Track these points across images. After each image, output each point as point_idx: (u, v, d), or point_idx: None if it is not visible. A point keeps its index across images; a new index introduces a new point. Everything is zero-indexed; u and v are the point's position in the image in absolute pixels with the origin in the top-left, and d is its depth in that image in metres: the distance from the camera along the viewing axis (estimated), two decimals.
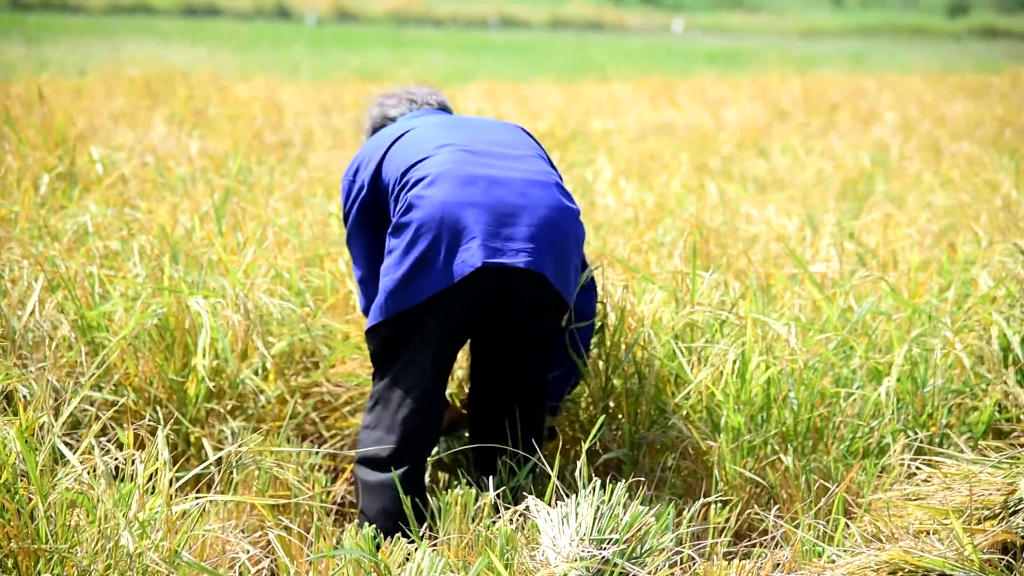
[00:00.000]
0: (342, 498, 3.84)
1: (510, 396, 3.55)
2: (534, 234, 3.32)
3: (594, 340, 3.84)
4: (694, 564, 3.04)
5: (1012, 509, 2.98)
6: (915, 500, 3.13)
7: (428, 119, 3.66)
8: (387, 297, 3.35)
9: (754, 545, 3.34)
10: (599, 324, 3.84)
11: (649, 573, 2.86)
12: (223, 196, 5.26)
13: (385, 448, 3.39)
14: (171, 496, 2.87)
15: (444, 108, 3.90)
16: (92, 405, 3.60)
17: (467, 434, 3.82)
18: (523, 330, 3.48)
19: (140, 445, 3.50)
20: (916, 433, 3.69)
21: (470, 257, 3.28)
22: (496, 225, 3.31)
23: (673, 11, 39.41)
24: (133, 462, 3.07)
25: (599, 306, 3.86)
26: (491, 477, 3.46)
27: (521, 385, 3.55)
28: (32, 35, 19.53)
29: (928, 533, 3.03)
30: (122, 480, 2.94)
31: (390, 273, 3.35)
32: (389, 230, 3.39)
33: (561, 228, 3.37)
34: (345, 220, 3.60)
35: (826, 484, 3.48)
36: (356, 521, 3.38)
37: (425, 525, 3.28)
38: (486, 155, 3.45)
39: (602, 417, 3.58)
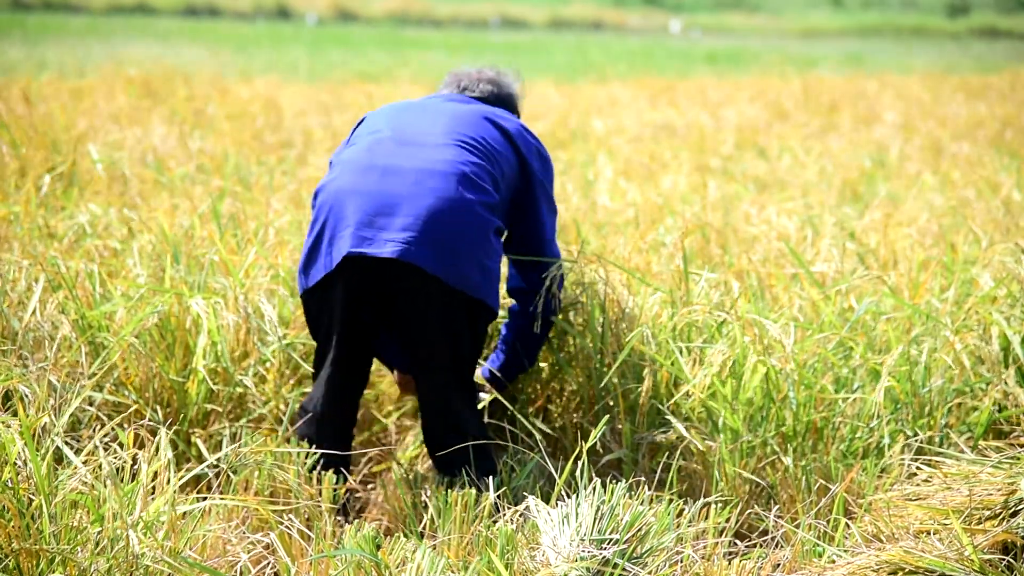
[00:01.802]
0: (345, 497, 3.84)
1: (427, 389, 3.58)
2: (411, 224, 3.32)
3: (594, 341, 3.84)
4: (694, 564, 3.04)
5: (1012, 509, 2.98)
6: (915, 500, 3.13)
7: (393, 105, 3.72)
8: (297, 276, 3.54)
9: (754, 545, 3.34)
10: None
11: (649, 573, 2.86)
12: (222, 196, 5.26)
13: (312, 401, 3.59)
14: (175, 496, 2.87)
15: (487, 97, 3.82)
16: (92, 405, 3.60)
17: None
18: (424, 323, 3.44)
19: (140, 445, 3.50)
20: (916, 433, 3.69)
21: (342, 246, 3.36)
22: (373, 214, 3.34)
23: (674, 11, 39.41)
24: (135, 462, 3.08)
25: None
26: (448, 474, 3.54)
27: (432, 382, 3.55)
28: (32, 35, 19.52)
29: (928, 533, 3.03)
30: (122, 480, 2.94)
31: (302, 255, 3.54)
32: None
33: (448, 219, 3.33)
34: None
35: (826, 484, 3.48)
36: (356, 521, 3.38)
37: (342, 484, 3.46)
38: (400, 143, 3.47)
39: (604, 418, 3.58)
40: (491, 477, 3.45)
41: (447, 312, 3.43)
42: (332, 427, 3.58)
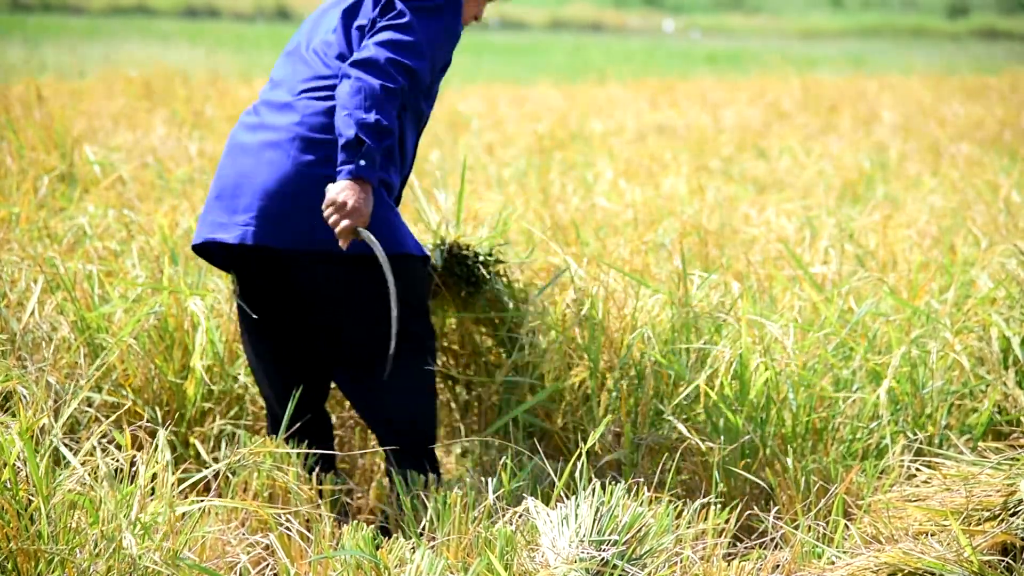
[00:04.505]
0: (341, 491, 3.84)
1: (351, 379, 3.50)
2: (250, 205, 3.29)
3: (592, 341, 3.84)
4: (693, 565, 3.04)
5: (1012, 510, 2.98)
6: (914, 501, 3.13)
7: (304, 22, 3.58)
8: None
9: (754, 546, 3.34)
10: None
11: (648, 574, 2.86)
12: None
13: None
14: (173, 498, 2.87)
15: None
16: (91, 406, 3.60)
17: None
18: (328, 305, 3.39)
19: (138, 446, 3.50)
20: (916, 434, 3.69)
21: (202, 231, 3.37)
22: (225, 197, 3.34)
23: (673, 12, 39.42)
24: (133, 463, 3.08)
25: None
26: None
27: (358, 367, 3.47)
28: (32, 36, 19.53)
29: (927, 534, 3.03)
30: (121, 481, 2.94)
31: None
32: None
33: (285, 192, 3.27)
34: None
35: (825, 485, 3.48)
36: (355, 521, 3.38)
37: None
38: (264, 106, 3.43)
39: (604, 419, 3.58)
40: (430, 473, 3.42)
41: (344, 286, 3.35)
42: (293, 421, 3.53)
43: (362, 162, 3.17)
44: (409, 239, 3.35)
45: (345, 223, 3.17)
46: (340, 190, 3.18)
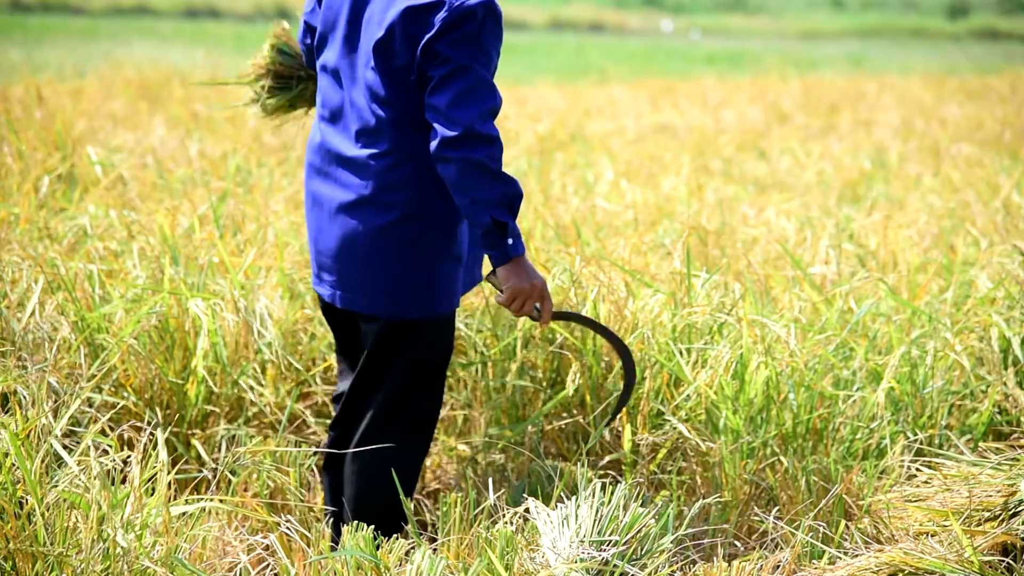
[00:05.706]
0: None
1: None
2: (332, 267, 3.30)
3: (593, 342, 3.84)
4: (694, 566, 3.04)
5: (1012, 511, 2.98)
6: (915, 502, 3.13)
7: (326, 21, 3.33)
8: None
9: (754, 547, 3.34)
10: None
11: (649, 575, 2.86)
12: (223, 198, 5.27)
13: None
14: (169, 498, 2.87)
15: None
16: (92, 407, 3.60)
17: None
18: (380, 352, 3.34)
19: (142, 448, 3.50)
20: (916, 435, 3.69)
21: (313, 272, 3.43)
22: (313, 250, 3.37)
23: (674, 13, 39.43)
24: (127, 464, 3.08)
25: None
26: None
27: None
28: (32, 37, 19.54)
29: (928, 535, 3.04)
30: (123, 482, 2.94)
31: None
32: None
33: (359, 258, 3.24)
34: None
35: (826, 486, 3.48)
36: (355, 521, 3.37)
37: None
38: (331, 153, 3.30)
39: (604, 419, 3.58)
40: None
41: (405, 352, 3.32)
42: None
43: (509, 241, 3.11)
44: (443, 295, 3.29)
45: (544, 305, 3.21)
46: (511, 281, 3.15)
